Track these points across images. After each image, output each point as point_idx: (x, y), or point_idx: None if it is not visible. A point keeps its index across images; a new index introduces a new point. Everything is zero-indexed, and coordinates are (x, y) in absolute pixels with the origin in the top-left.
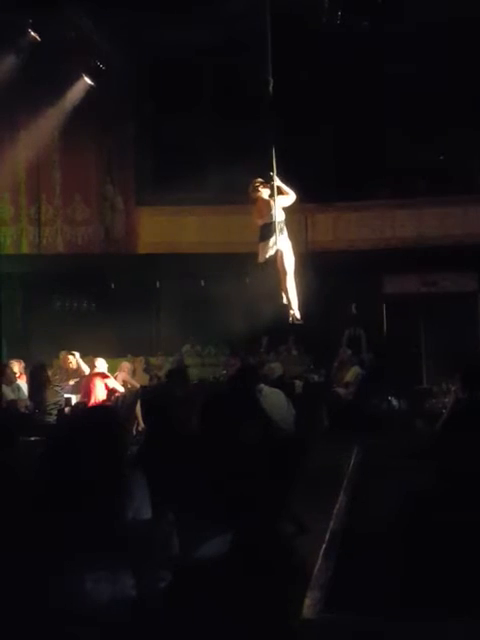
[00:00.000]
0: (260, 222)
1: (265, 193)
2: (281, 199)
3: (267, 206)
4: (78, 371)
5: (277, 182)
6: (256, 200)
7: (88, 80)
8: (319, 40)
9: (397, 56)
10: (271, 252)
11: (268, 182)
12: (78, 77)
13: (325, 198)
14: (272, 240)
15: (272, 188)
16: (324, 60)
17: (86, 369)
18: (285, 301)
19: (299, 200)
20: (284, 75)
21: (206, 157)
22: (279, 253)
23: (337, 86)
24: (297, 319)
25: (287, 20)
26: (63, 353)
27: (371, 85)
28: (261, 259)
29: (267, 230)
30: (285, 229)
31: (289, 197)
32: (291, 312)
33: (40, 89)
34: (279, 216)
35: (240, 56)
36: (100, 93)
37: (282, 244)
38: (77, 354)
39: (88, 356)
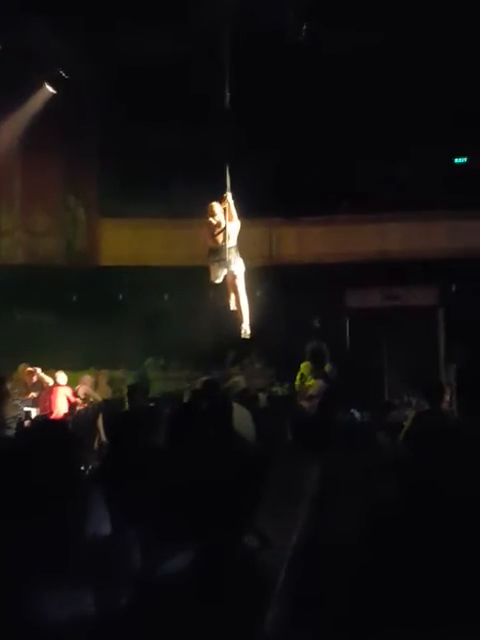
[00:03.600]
0: (211, 243)
1: (220, 216)
2: (233, 225)
3: (220, 230)
4: (41, 383)
5: (230, 202)
6: (210, 223)
7: (50, 88)
8: (283, 54)
9: (360, 70)
10: (222, 276)
11: (222, 202)
12: (39, 85)
13: (290, 213)
14: (224, 265)
15: (225, 208)
16: (288, 73)
17: (49, 381)
18: (233, 307)
19: (264, 215)
20: (248, 89)
21: (171, 169)
22: (231, 275)
23: (302, 100)
24: (247, 333)
25: (250, 34)
26: (22, 366)
27: (336, 99)
28: (214, 279)
29: (218, 253)
30: (237, 253)
31: (235, 221)
32: (242, 326)
33: (0, 96)
34: (231, 241)
35: (204, 67)
36: (62, 102)
37: (234, 268)
38: (38, 369)
39: (49, 369)
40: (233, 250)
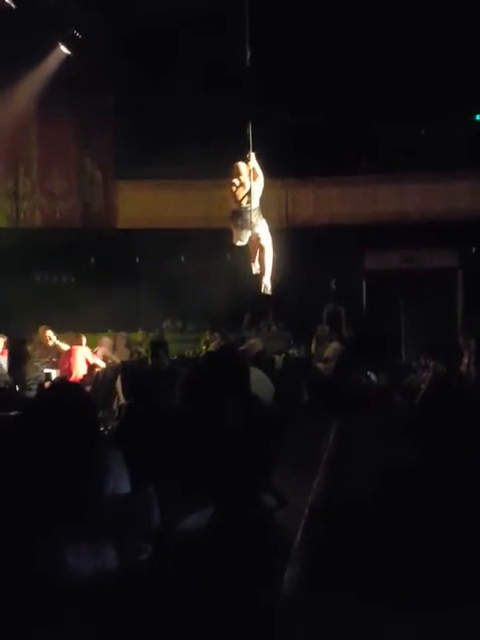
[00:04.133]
0: (235, 206)
1: (245, 176)
2: (257, 186)
3: (245, 192)
4: (56, 348)
5: (254, 162)
6: (234, 184)
7: (64, 49)
8: (301, 12)
9: (380, 29)
10: (246, 239)
11: (247, 162)
12: (54, 46)
13: (306, 173)
14: (247, 227)
15: (250, 168)
16: (306, 33)
17: (64, 347)
18: (256, 271)
19: (280, 175)
20: (265, 48)
21: (187, 130)
22: (255, 237)
23: (319, 59)
24: (268, 289)
25: None
26: (42, 328)
27: (354, 59)
28: (236, 242)
29: (242, 216)
30: (261, 215)
31: (259, 181)
32: (263, 281)
33: (15, 58)
34: (255, 203)
35: (221, 27)
36: (78, 64)
37: (258, 230)
38: (52, 334)
39: (68, 331)
40: (257, 211)
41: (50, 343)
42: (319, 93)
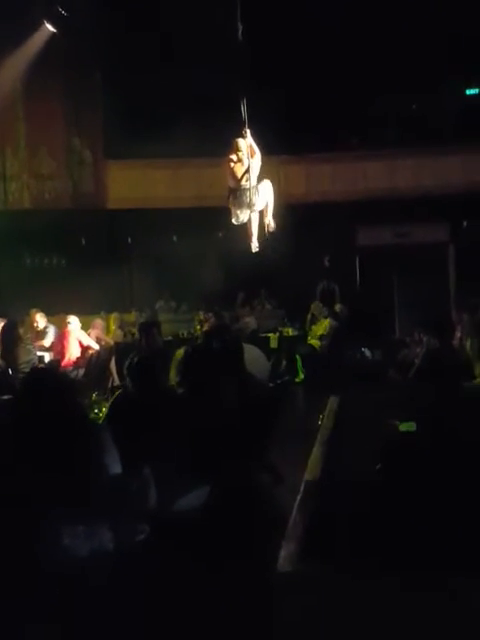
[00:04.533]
0: (233, 185)
1: (244, 153)
2: (255, 162)
3: (244, 169)
4: (43, 332)
5: (250, 139)
6: (233, 161)
7: (50, 27)
8: None
9: (371, 3)
10: (245, 218)
11: (244, 138)
12: (39, 24)
13: (297, 150)
14: (246, 206)
15: (243, 145)
16: (297, 7)
17: (51, 332)
18: (255, 249)
19: (272, 152)
20: (256, 23)
21: (177, 108)
22: (253, 215)
23: (310, 35)
24: (257, 248)
25: None
26: (33, 311)
27: (343, 32)
28: (235, 221)
29: (241, 195)
30: (260, 190)
31: (257, 158)
32: (252, 241)
33: None
34: (254, 180)
35: (211, 1)
36: (64, 41)
37: (257, 207)
38: (41, 315)
39: (60, 314)
40: (255, 189)
41: (37, 326)
42: (310, 69)
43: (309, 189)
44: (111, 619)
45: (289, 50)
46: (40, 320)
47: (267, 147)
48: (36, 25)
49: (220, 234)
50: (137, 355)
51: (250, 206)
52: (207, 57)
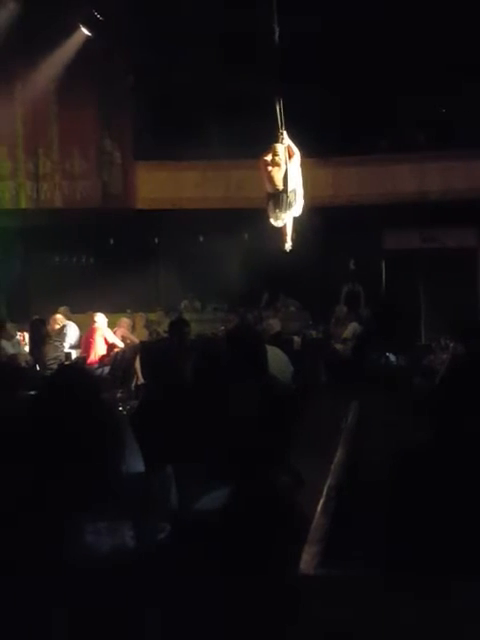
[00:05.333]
0: (271, 189)
1: (282, 158)
2: (293, 165)
3: (282, 174)
4: (61, 331)
5: (288, 140)
6: (270, 166)
7: (85, 31)
8: None
9: (401, 6)
10: (285, 220)
11: (281, 141)
12: (75, 28)
13: (325, 152)
14: (285, 210)
15: (285, 148)
16: (327, 10)
17: (69, 332)
18: (288, 248)
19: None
20: (286, 27)
21: (206, 110)
22: (290, 217)
23: (337, 35)
24: (290, 247)
25: None
26: (62, 308)
27: (374, 34)
28: (274, 223)
29: (279, 199)
30: (298, 193)
31: (296, 159)
32: (286, 242)
33: (36, 40)
34: (292, 184)
35: (242, 4)
36: (98, 44)
37: (295, 209)
38: (61, 316)
39: (87, 311)
40: (293, 193)
41: (57, 326)
42: (339, 72)
43: (336, 192)
44: (130, 617)
45: (318, 52)
46: (60, 320)
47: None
48: (72, 29)
49: (246, 235)
50: (166, 354)
51: (290, 208)
52: (237, 59)
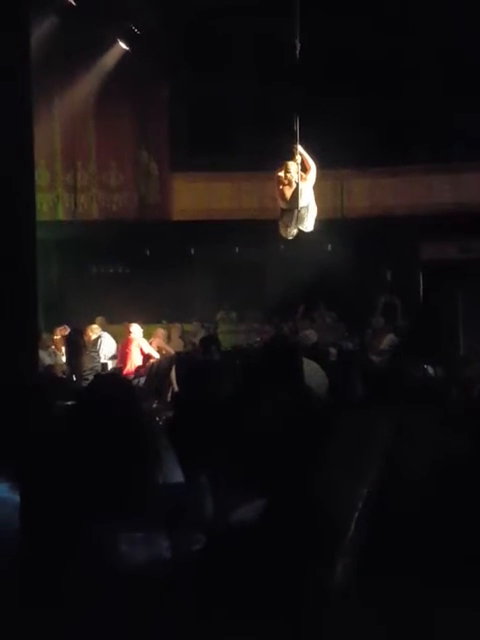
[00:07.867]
0: (283, 205)
1: (293, 175)
2: (307, 182)
3: (292, 191)
4: (94, 343)
5: (304, 154)
6: (282, 183)
7: (123, 45)
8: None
9: (435, 14)
10: (294, 233)
11: (293, 158)
12: (113, 42)
13: (361, 163)
14: (295, 226)
15: (297, 165)
16: (360, 20)
17: (102, 343)
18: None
19: (335, 166)
20: (318, 37)
21: (241, 122)
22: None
23: (374, 47)
24: (292, 234)
25: None
26: (99, 319)
27: (410, 45)
28: (285, 236)
29: (290, 216)
30: (311, 209)
31: (311, 174)
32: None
33: (75, 55)
34: (303, 201)
35: (274, 17)
36: (135, 58)
37: (307, 223)
38: (97, 326)
39: (123, 322)
40: (305, 209)
41: (93, 337)
42: (375, 82)
43: (373, 203)
44: (164, 627)
45: (356, 62)
46: (96, 330)
47: (330, 161)
48: (110, 43)
49: (282, 246)
50: (195, 367)
51: (301, 223)
52: (271, 71)
